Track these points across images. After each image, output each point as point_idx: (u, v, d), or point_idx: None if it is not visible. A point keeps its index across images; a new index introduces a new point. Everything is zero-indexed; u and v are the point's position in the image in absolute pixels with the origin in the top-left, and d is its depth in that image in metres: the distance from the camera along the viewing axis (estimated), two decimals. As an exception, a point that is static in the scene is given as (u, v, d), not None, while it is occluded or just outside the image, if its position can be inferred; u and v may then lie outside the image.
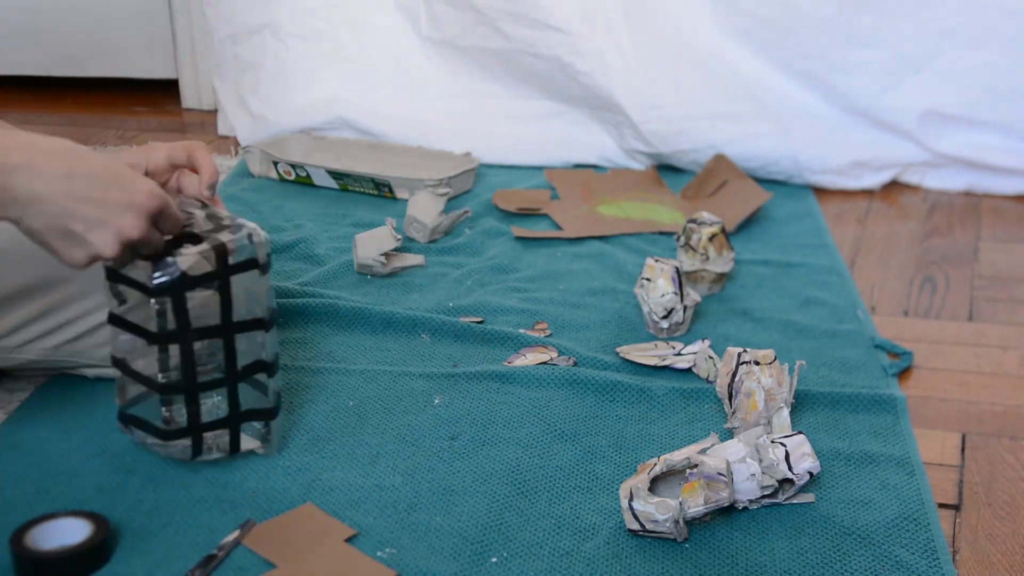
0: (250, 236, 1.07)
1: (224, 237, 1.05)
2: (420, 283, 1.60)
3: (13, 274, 1.20)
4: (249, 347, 1.10)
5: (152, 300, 1.03)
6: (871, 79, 2.06)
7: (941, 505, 1.15)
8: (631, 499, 1.05)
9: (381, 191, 1.95)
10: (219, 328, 1.07)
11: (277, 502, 1.10)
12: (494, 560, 1.03)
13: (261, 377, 1.11)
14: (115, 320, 1.08)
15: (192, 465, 1.15)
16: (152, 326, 1.04)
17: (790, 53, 2.08)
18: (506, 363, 1.37)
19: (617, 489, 1.11)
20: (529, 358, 1.38)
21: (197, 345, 1.06)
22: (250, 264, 1.07)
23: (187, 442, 1.09)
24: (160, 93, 2.52)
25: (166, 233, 1.02)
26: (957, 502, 1.17)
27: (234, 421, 1.11)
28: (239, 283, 1.07)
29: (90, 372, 1.28)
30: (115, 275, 1.06)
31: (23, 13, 2.48)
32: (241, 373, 1.10)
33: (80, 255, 0.97)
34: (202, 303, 1.06)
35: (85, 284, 1.22)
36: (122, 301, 1.08)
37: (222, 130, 2.32)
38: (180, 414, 1.08)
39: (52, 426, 1.22)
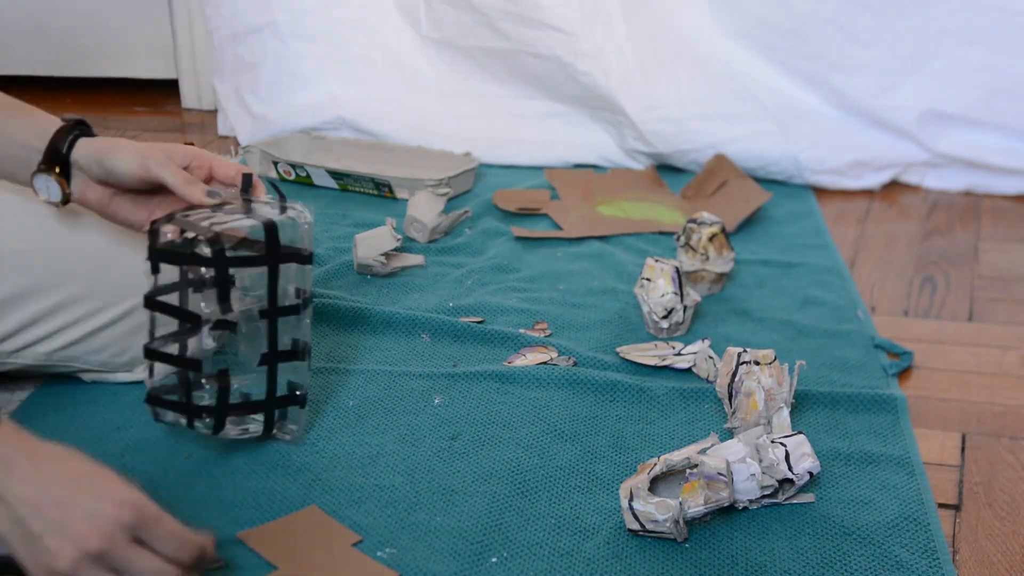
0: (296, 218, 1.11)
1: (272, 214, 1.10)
2: (420, 283, 1.60)
3: (6, 279, 1.20)
4: (284, 331, 1.13)
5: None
6: (871, 79, 2.06)
7: (941, 505, 1.15)
8: (631, 499, 1.05)
9: (381, 191, 1.95)
10: (262, 312, 1.10)
11: (277, 502, 1.10)
12: (494, 560, 1.03)
13: (294, 363, 1.14)
14: (152, 304, 1.10)
15: (192, 465, 1.15)
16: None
17: (790, 53, 2.08)
18: (506, 363, 1.37)
19: (617, 489, 1.11)
20: (529, 358, 1.38)
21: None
22: (295, 255, 1.11)
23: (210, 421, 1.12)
24: (160, 93, 2.52)
25: (172, 558, 0.90)
26: (957, 502, 1.17)
27: (270, 405, 1.13)
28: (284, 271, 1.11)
29: (87, 376, 1.28)
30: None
31: (23, 13, 2.48)
32: (279, 357, 1.12)
33: (38, 567, 0.86)
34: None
35: (80, 289, 1.22)
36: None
37: (222, 130, 2.32)
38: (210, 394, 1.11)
39: (52, 427, 1.22)
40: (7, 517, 0.86)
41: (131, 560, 0.87)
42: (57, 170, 1.15)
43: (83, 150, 1.15)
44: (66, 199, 1.16)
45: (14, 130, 1.17)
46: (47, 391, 1.28)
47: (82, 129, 1.18)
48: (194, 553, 0.91)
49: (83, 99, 2.53)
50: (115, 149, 1.15)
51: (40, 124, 1.17)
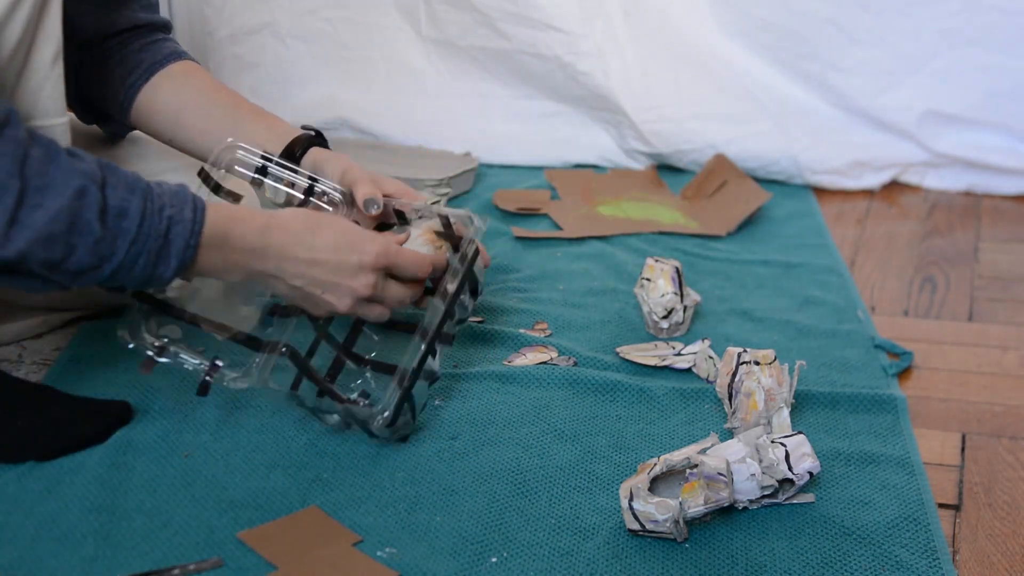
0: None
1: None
2: (420, 283, 1.60)
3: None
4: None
5: None
6: (871, 79, 2.06)
7: (941, 505, 1.15)
8: (631, 499, 1.05)
9: (381, 191, 1.95)
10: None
11: (277, 502, 1.10)
12: (494, 560, 1.03)
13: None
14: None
15: (192, 464, 1.15)
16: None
17: (790, 53, 2.08)
18: (506, 363, 1.37)
19: (617, 489, 1.11)
20: (529, 358, 1.38)
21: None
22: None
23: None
24: (160, 93, 2.52)
25: (412, 278, 1.18)
26: (957, 502, 1.17)
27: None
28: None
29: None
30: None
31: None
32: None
33: (320, 311, 1.15)
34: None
35: None
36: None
37: (222, 130, 2.32)
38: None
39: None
40: (286, 287, 1.11)
41: (388, 293, 1.16)
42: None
43: (310, 157, 1.30)
44: (288, 201, 1.27)
45: (254, 133, 1.30)
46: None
47: (318, 140, 1.32)
48: (428, 270, 1.19)
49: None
50: (331, 160, 1.29)
51: (278, 130, 1.32)
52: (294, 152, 1.30)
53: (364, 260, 1.12)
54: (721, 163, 2.00)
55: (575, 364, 1.37)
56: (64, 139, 1.14)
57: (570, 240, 1.77)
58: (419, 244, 1.24)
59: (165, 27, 1.40)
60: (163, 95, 1.34)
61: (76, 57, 1.34)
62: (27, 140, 0.97)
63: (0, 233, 0.94)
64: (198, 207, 1.05)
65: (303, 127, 1.33)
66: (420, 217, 1.28)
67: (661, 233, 1.81)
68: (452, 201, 1.90)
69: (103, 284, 1.04)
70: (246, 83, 2.22)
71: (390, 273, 1.17)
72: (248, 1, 2.20)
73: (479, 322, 1.46)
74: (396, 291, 1.18)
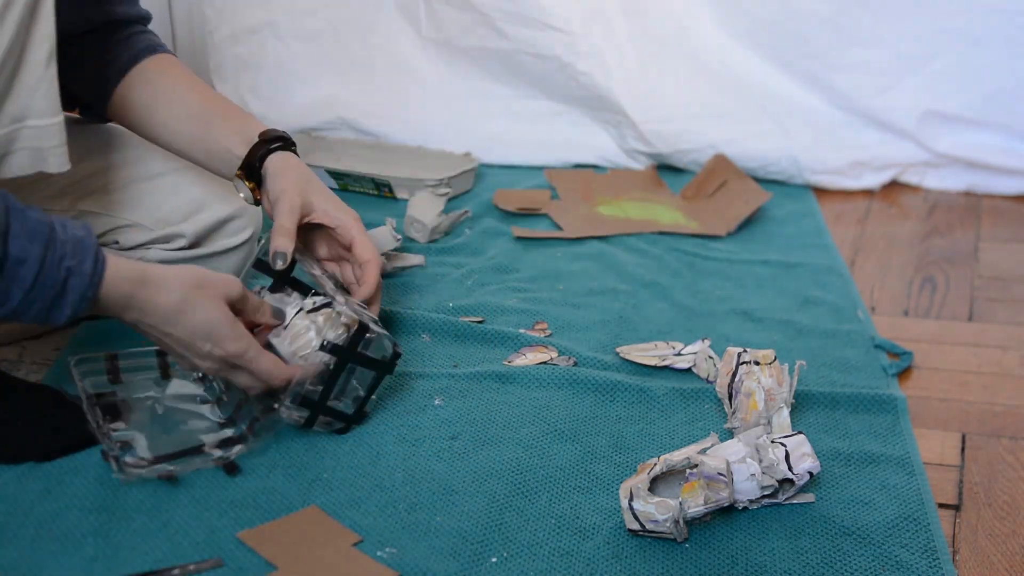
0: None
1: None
2: (420, 283, 1.60)
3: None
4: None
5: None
6: (871, 79, 2.06)
7: (941, 505, 1.15)
8: (631, 499, 1.05)
9: (381, 191, 1.95)
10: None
11: (277, 502, 1.10)
12: (494, 560, 1.03)
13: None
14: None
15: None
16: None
17: (790, 53, 2.08)
18: (506, 363, 1.37)
19: (617, 489, 1.11)
20: (529, 358, 1.38)
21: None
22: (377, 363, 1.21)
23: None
24: (160, 93, 2.52)
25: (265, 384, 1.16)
26: (957, 502, 1.17)
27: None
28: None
29: None
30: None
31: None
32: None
33: (183, 364, 1.15)
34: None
35: None
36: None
37: (222, 130, 2.32)
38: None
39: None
40: (155, 337, 1.11)
41: (237, 380, 1.15)
42: (252, 184, 1.31)
43: (268, 166, 1.30)
44: (257, 202, 1.31)
45: (220, 135, 1.32)
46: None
47: (282, 144, 1.32)
48: (282, 384, 1.15)
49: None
50: (278, 174, 1.29)
51: (246, 130, 1.32)
52: (253, 160, 1.30)
53: (214, 352, 1.11)
54: (721, 163, 2.00)
55: (575, 364, 1.37)
56: (59, 138, 1.13)
57: (570, 240, 1.77)
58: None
59: (143, 19, 1.40)
60: (136, 92, 1.35)
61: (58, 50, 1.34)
62: None
63: None
64: (99, 260, 1.04)
65: (270, 131, 1.33)
66: (315, 305, 1.23)
67: (661, 233, 1.81)
68: (452, 201, 1.90)
69: None
70: (246, 83, 2.22)
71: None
72: (248, 1, 2.20)
73: (479, 322, 1.46)
74: (245, 380, 1.15)
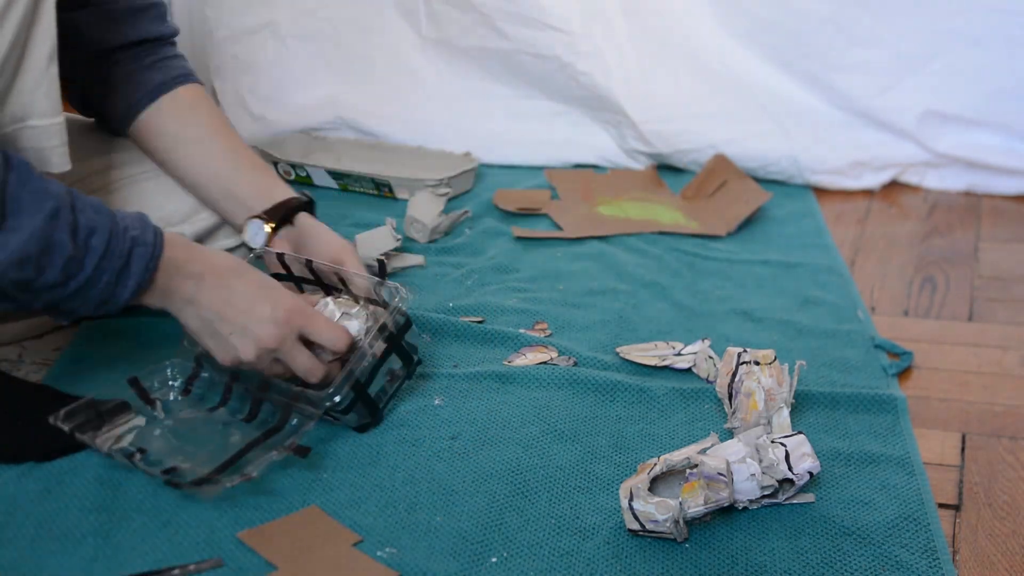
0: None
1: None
2: (420, 283, 1.60)
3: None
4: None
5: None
6: (871, 79, 2.06)
7: (941, 505, 1.15)
8: (631, 499, 1.05)
9: (381, 191, 1.95)
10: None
11: (277, 502, 1.10)
12: (494, 560, 1.03)
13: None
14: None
15: (192, 465, 1.15)
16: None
17: (790, 53, 2.08)
18: (506, 363, 1.37)
19: (617, 489, 1.11)
20: (529, 358, 1.38)
21: None
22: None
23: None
24: (160, 93, 2.52)
25: (328, 344, 1.16)
26: (957, 502, 1.17)
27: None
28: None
29: None
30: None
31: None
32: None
33: (226, 356, 1.13)
34: None
35: None
36: None
37: (222, 130, 2.32)
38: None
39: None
40: (197, 317, 1.11)
41: (295, 357, 1.14)
42: (272, 225, 1.32)
43: (303, 217, 1.34)
44: (256, 249, 1.32)
45: (246, 186, 1.35)
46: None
47: (305, 206, 1.36)
48: (344, 342, 1.16)
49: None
50: (319, 237, 1.32)
51: (267, 190, 1.35)
52: (290, 210, 1.33)
53: (276, 313, 1.12)
54: (721, 163, 2.00)
55: (575, 364, 1.37)
56: (60, 138, 1.14)
57: (570, 240, 1.77)
58: (331, 309, 1.22)
59: (174, 37, 1.42)
60: (165, 121, 1.36)
61: (84, 65, 1.35)
62: (3, 166, 0.98)
63: None
64: (158, 232, 1.08)
65: (299, 193, 1.36)
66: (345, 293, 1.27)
67: (661, 233, 1.81)
68: (452, 201, 1.90)
69: (54, 307, 1.06)
70: (246, 83, 2.22)
71: (304, 339, 1.16)
72: (248, 1, 2.20)
73: (479, 322, 1.46)
74: (303, 360, 1.16)
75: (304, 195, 1.38)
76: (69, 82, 1.36)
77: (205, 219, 1.42)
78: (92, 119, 1.45)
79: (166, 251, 1.08)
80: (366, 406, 1.21)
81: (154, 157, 1.40)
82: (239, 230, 1.36)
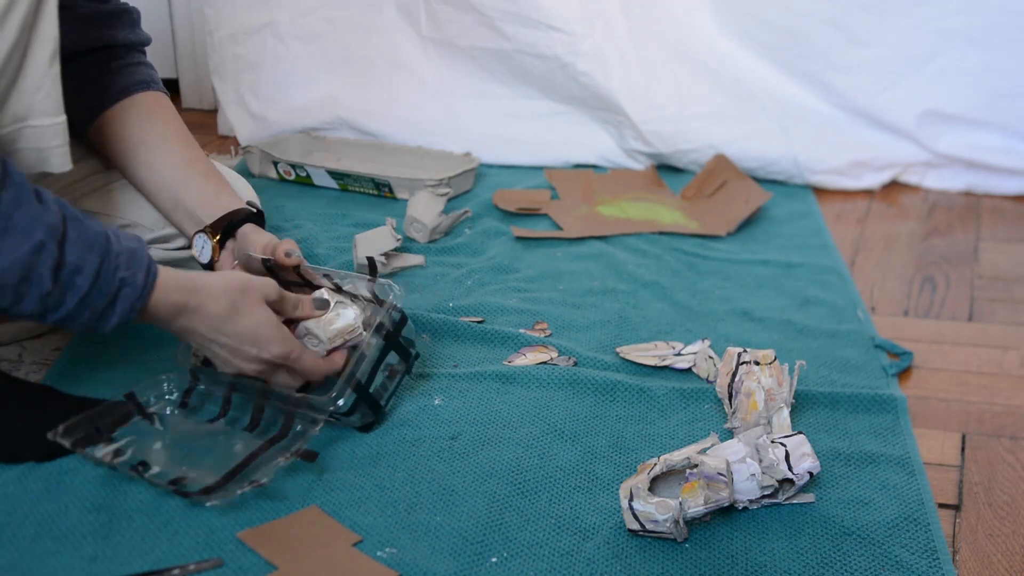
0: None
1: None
2: (420, 283, 1.60)
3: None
4: None
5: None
6: (871, 79, 2.06)
7: (941, 505, 1.15)
8: (631, 499, 1.05)
9: (381, 191, 1.95)
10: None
11: (277, 502, 1.10)
12: (494, 560, 1.03)
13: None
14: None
15: (192, 465, 1.15)
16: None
17: (790, 53, 2.08)
18: (506, 363, 1.37)
19: (617, 489, 1.11)
20: (529, 358, 1.38)
21: None
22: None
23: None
24: (160, 93, 2.52)
25: (308, 377, 1.20)
26: (957, 502, 1.17)
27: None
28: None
29: None
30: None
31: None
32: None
33: (225, 367, 1.17)
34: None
35: None
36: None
37: (222, 130, 2.32)
38: None
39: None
40: (191, 341, 1.15)
41: (276, 379, 1.18)
42: (217, 239, 1.31)
43: (245, 229, 1.31)
44: (211, 264, 1.31)
45: (196, 196, 1.33)
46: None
47: (254, 218, 1.34)
48: (321, 378, 1.20)
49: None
50: (257, 231, 1.31)
51: (220, 200, 1.33)
52: (232, 223, 1.31)
53: (261, 355, 1.14)
54: (721, 163, 2.00)
55: (575, 364, 1.37)
56: (61, 138, 1.14)
57: (570, 240, 1.77)
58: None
59: (142, 45, 1.41)
60: (123, 125, 1.35)
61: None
62: (2, 179, 0.97)
63: None
64: (151, 272, 1.07)
65: (243, 209, 1.34)
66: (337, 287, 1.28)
67: (661, 233, 1.81)
68: (452, 201, 1.90)
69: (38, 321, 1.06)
70: (246, 83, 2.22)
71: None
72: (248, 1, 2.20)
73: (479, 322, 1.46)
74: (284, 379, 1.19)
75: (252, 206, 1.36)
76: None
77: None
78: None
79: (157, 292, 1.07)
80: (369, 406, 1.21)
81: (111, 161, 1.39)
82: (189, 243, 1.35)
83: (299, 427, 1.17)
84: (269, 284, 1.17)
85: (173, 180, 1.34)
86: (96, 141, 1.38)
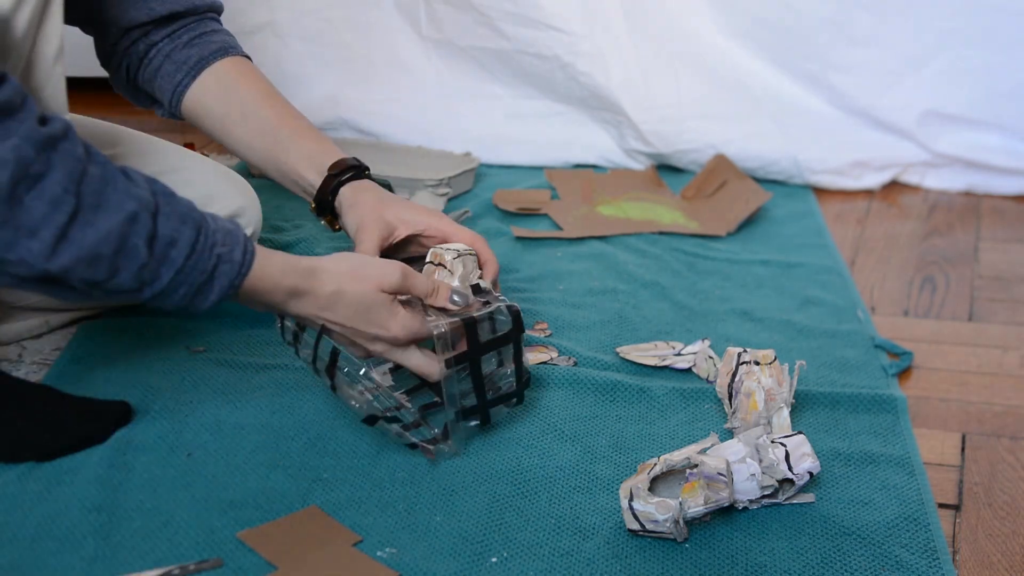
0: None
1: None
2: (420, 283, 1.60)
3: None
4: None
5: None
6: (871, 79, 2.06)
7: (941, 505, 1.15)
8: (631, 499, 1.05)
9: (381, 191, 1.95)
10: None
11: (277, 502, 1.10)
12: (494, 560, 1.03)
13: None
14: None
15: (192, 464, 1.15)
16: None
17: (790, 53, 2.08)
18: (506, 363, 1.37)
19: (617, 489, 1.11)
20: (529, 358, 1.38)
21: None
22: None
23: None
24: (160, 93, 2.52)
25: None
26: (957, 502, 1.17)
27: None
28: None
29: None
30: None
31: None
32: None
33: (354, 350, 1.16)
34: None
35: None
36: None
37: (222, 130, 2.32)
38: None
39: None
40: (310, 322, 1.13)
41: (407, 359, 1.16)
42: (329, 218, 1.32)
43: (341, 200, 1.30)
44: (338, 230, 1.33)
45: (293, 158, 1.32)
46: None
47: (353, 173, 1.31)
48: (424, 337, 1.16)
49: (84, 98, 2.52)
50: (352, 208, 1.29)
51: (317, 156, 1.31)
52: (326, 195, 1.30)
53: (382, 335, 1.13)
54: (721, 163, 2.00)
55: (575, 364, 1.37)
56: None
57: (570, 240, 1.77)
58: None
59: (210, 11, 1.38)
60: (208, 99, 1.33)
61: (123, 47, 1.32)
62: (85, 157, 0.96)
63: (48, 247, 0.93)
64: (248, 250, 1.06)
65: (339, 162, 1.31)
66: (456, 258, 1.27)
67: (661, 233, 1.81)
68: (452, 201, 1.90)
69: (141, 302, 1.05)
70: (246, 83, 2.22)
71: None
72: (248, 1, 2.20)
73: (479, 322, 1.46)
74: (416, 361, 1.17)
75: (345, 164, 1.31)
76: (114, 70, 1.35)
77: (215, 211, 1.41)
78: (151, 110, 1.43)
79: (255, 269, 1.06)
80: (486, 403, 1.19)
81: (215, 139, 1.38)
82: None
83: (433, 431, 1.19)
84: (388, 272, 1.13)
85: (270, 151, 1.33)
86: (191, 122, 1.36)
